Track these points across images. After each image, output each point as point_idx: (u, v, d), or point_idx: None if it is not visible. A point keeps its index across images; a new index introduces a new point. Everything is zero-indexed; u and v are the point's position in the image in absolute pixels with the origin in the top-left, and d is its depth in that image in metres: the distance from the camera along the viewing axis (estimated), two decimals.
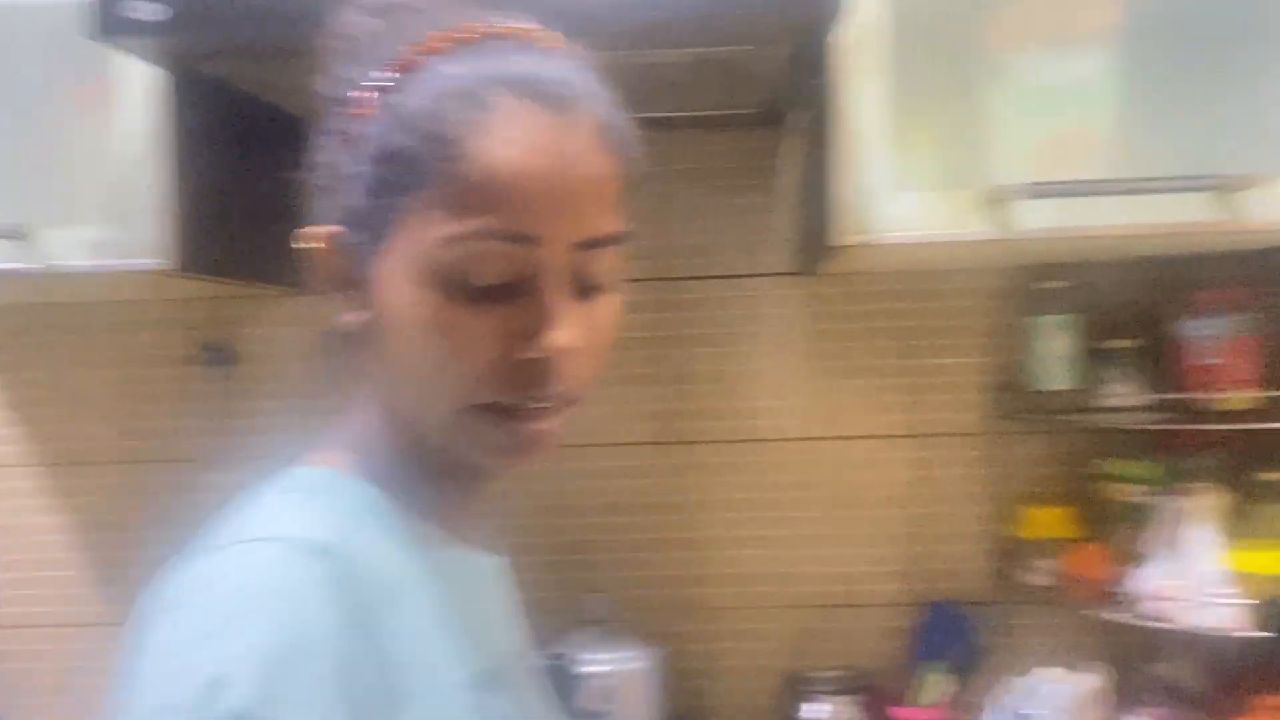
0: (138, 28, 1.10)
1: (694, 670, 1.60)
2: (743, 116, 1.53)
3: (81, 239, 1.27)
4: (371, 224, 0.62)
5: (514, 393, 0.62)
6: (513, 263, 0.60)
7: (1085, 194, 1.17)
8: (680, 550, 1.61)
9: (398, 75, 0.62)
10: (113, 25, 1.10)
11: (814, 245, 1.49)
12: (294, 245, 0.65)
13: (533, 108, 0.60)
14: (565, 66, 0.62)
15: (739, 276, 1.61)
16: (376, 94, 0.62)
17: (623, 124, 0.64)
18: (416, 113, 0.60)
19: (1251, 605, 1.24)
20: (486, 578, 0.73)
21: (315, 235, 0.65)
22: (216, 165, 1.35)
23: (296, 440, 1.68)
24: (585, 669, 1.39)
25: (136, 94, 1.26)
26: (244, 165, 1.47)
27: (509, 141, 0.59)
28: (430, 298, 0.60)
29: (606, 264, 0.63)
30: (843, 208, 1.22)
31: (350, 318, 0.65)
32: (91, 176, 1.27)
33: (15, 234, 1.26)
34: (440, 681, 0.61)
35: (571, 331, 0.61)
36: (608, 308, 0.65)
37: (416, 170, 0.60)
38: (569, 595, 1.51)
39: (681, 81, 1.31)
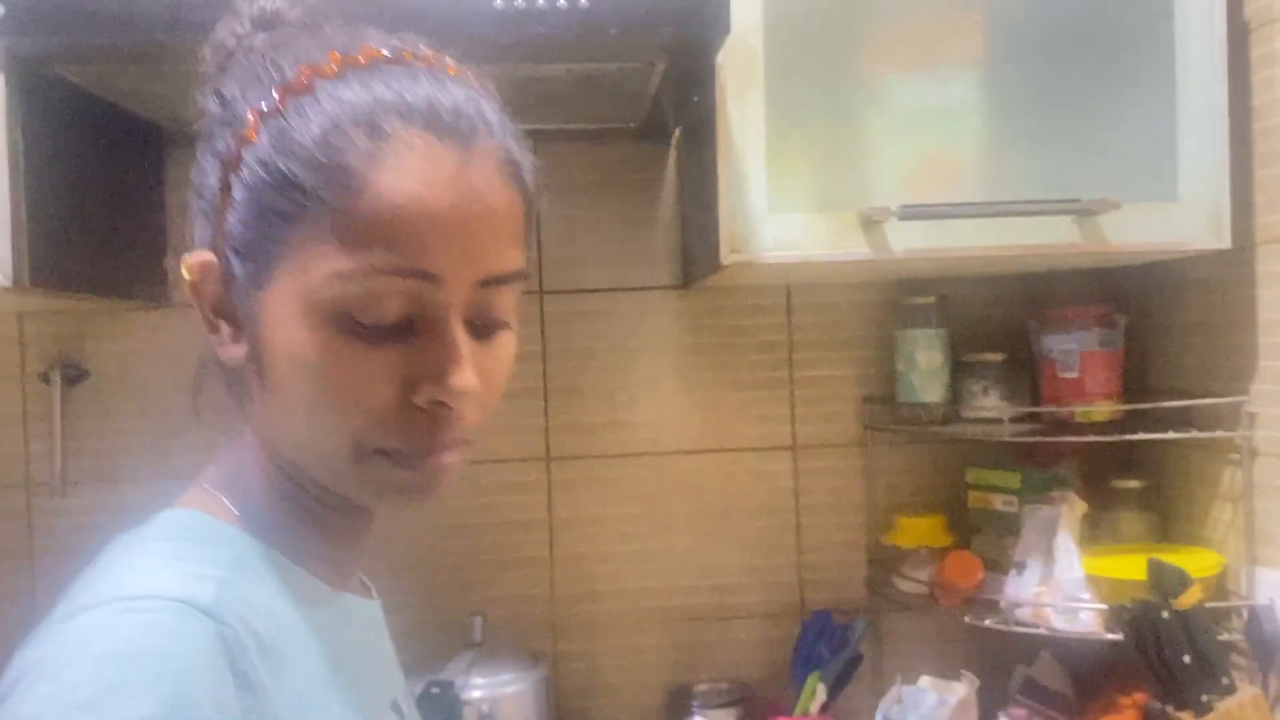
0: None
1: (578, 688, 1.59)
2: (624, 130, 1.53)
3: None
4: (254, 254, 0.58)
5: (414, 438, 0.59)
6: (410, 301, 0.57)
7: (953, 216, 1.21)
8: (563, 567, 1.60)
9: (286, 97, 0.58)
10: None
11: (695, 261, 1.49)
12: (173, 270, 0.61)
13: (431, 139, 0.57)
14: (464, 95, 0.59)
15: (621, 290, 1.60)
16: (262, 116, 0.58)
17: (523, 156, 0.62)
18: (306, 139, 0.56)
19: (1106, 609, 1.29)
20: (367, 623, 0.70)
21: (194, 264, 0.61)
22: (64, 173, 1.27)
23: (153, 461, 1.59)
24: (467, 693, 1.36)
25: None
26: (94, 173, 1.39)
27: (409, 174, 0.56)
28: (319, 336, 0.56)
29: (506, 301, 0.61)
30: (723, 227, 1.23)
31: (230, 352, 0.62)
32: None
33: None
34: None
35: (473, 373, 0.58)
36: (505, 346, 0.62)
37: (305, 200, 0.56)
38: (449, 617, 1.48)
39: (562, 95, 1.29)
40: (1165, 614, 1.15)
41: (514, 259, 0.60)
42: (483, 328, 0.60)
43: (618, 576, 1.60)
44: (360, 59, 0.59)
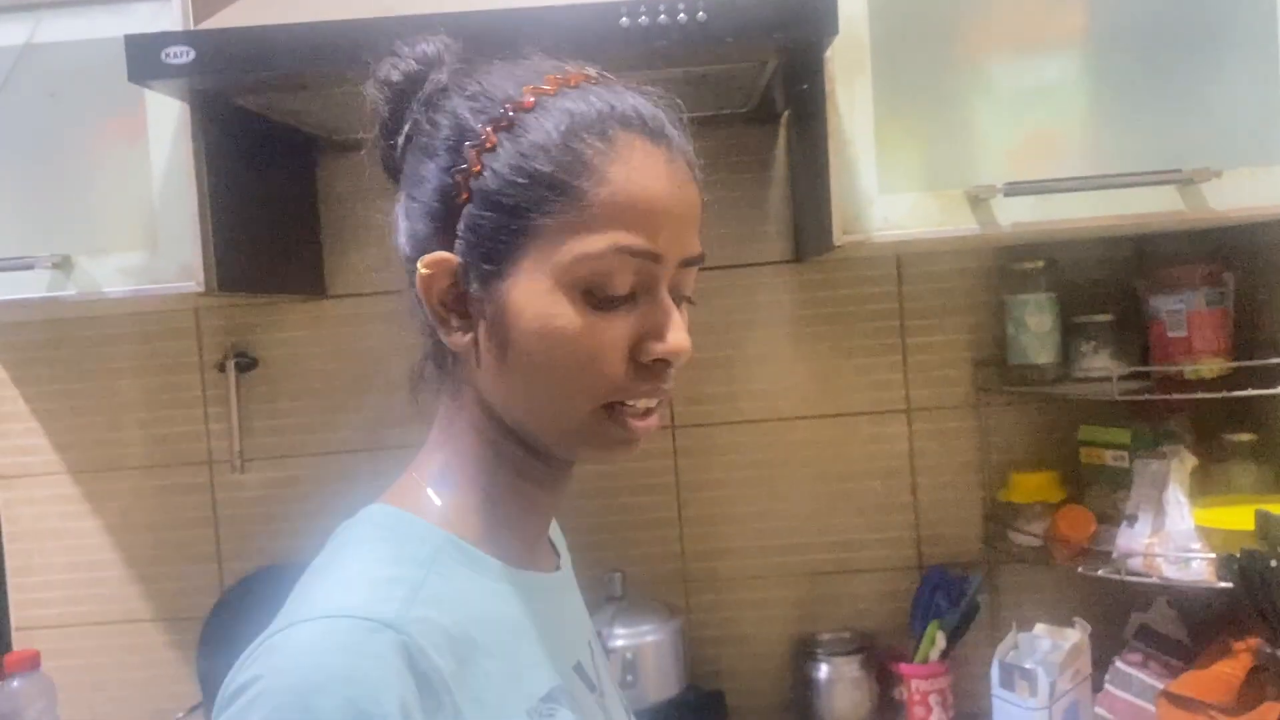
0: (165, 69, 1.18)
1: (711, 638, 1.71)
2: (735, 115, 1.61)
3: (118, 265, 1.35)
4: (499, 246, 0.67)
5: (642, 390, 0.69)
6: (639, 275, 0.67)
7: (1057, 190, 1.27)
8: (692, 527, 1.72)
9: (519, 112, 0.67)
10: (143, 67, 1.18)
11: (807, 239, 1.57)
12: (418, 272, 0.69)
13: (646, 142, 0.67)
14: (654, 106, 0.70)
15: (737, 266, 1.70)
16: (497, 129, 0.67)
17: (696, 159, 0.72)
18: (549, 142, 0.66)
19: (1217, 559, 1.34)
20: (549, 594, 0.77)
21: (431, 260, 0.69)
22: (241, 188, 1.43)
23: (319, 439, 1.74)
24: (611, 643, 1.49)
25: (166, 126, 1.33)
26: (265, 186, 1.54)
27: (636, 170, 0.66)
28: (569, 308, 0.66)
29: (691, 280, 0.73)
30: (835, 209, 1.30)
31: (458, 340, 0.70)
32: (126, 206, 1.34)
33: (57, 263, 1.33)
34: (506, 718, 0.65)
35: (686, 334, 0.69)
36: (686, 319, 0.73)
37: (553, 193, 0.66)
38: (592, 574, 1.60)
39: (677, 89, 1.38)
40: (1274, 562, 1.20)
41: (699, 244, 0.72)
42: (676, 301, 0.71)
43: (743, 535, 1.71)
44: (570, 80, 0.69)
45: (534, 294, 0.67)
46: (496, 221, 0.67)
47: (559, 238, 0.66)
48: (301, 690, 0.57)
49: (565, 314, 0.66)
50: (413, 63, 0.72)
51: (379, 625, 0.60)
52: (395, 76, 0.72)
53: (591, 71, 0.71)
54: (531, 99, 0.68)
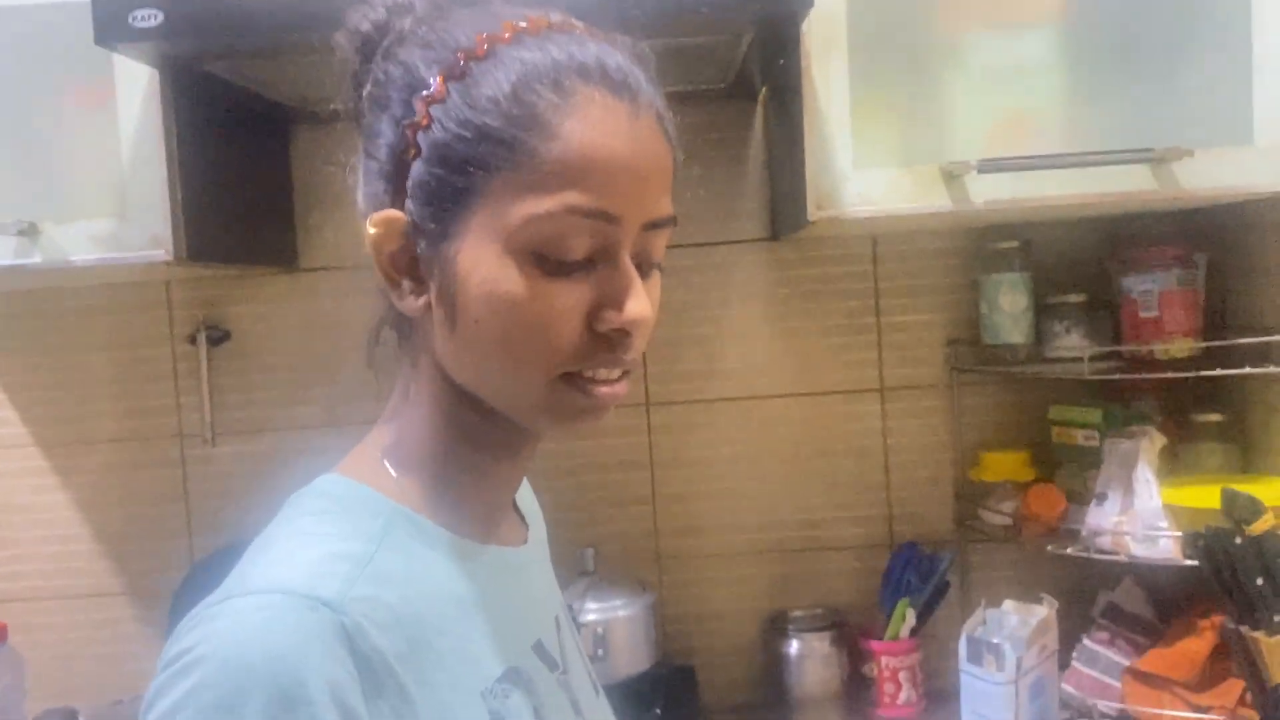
0: (133, 33, 1.16)
1: (683, 614, 1.72)
2: (713, 90, 1.61)
3: (86, 233, 1.33)
4: (446, 205, 0.63)
5: (600, 360, 0.65)
6: (595, 239, 0.63)
7: (1031, 168, 1.27)
8: (666, 504, 1.72)
9: (469, 60, 0.63)
10: (109, 31, 1.16)
11: (783, 216, 1.57)
12: (366, 231, 0.66)
13: (607, 94, 0.63)
14: (622, 57, 0.65)
15: (712, 244, 1.69)
16: (448, 78, 0.63)
17: (668, 111, 0.67)
18: (499, 94, 0.62)
19: (1182, 536, 1.36)
20: (510, 570, 0.74)
21: (379, 219, 0.65)
22: (212, 157, 1.41)
23: (290, 412, 1.73)
24: (583, 617, 1.49)
25: (135, 92, 1.31)
26: (237, 155, 1.53)
27: (593, 125, 0.62)
28: (517, 274, 0.62)
29: (660, 244, 0.68)
30: (809, 185, 1.30)
31: (410, 304, 0.66)
32: (94, 173, 1.33)
33: (23, 230, 1.31)
34: (458, 701, 0.63)
35: (647, 303, 0.65)
36: (657, 286, 0.69)
37: (502, 149, 0.62)
38: (562, 550, 1.61)
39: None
40: (1238, 540, 1.21)
41: (669, 205, 0.67)
42: (642, 268, 0.66)
43: (716, 513, 1.72)
44: (529, 27, 0.64)
45: (482, 258, 0.63)
46: (443, 179, 0.63)
47: (508, 198, 0.62)
48: (230, 666, 0.56)
49: (513, 279, 0.62)
50: (382, 10, 0.69)
51: (317, 603, 0.58)
52: (365, 26, 0.69)
53: (556, 18, 0.66)
54: (485, 47, 0.63)
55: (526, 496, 0.84)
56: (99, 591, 1.71)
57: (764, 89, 1.65)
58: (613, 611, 1.53)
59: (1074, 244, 1.66)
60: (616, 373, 0.67)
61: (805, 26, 1.28)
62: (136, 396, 1.71)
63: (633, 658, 1.55)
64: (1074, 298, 1.57)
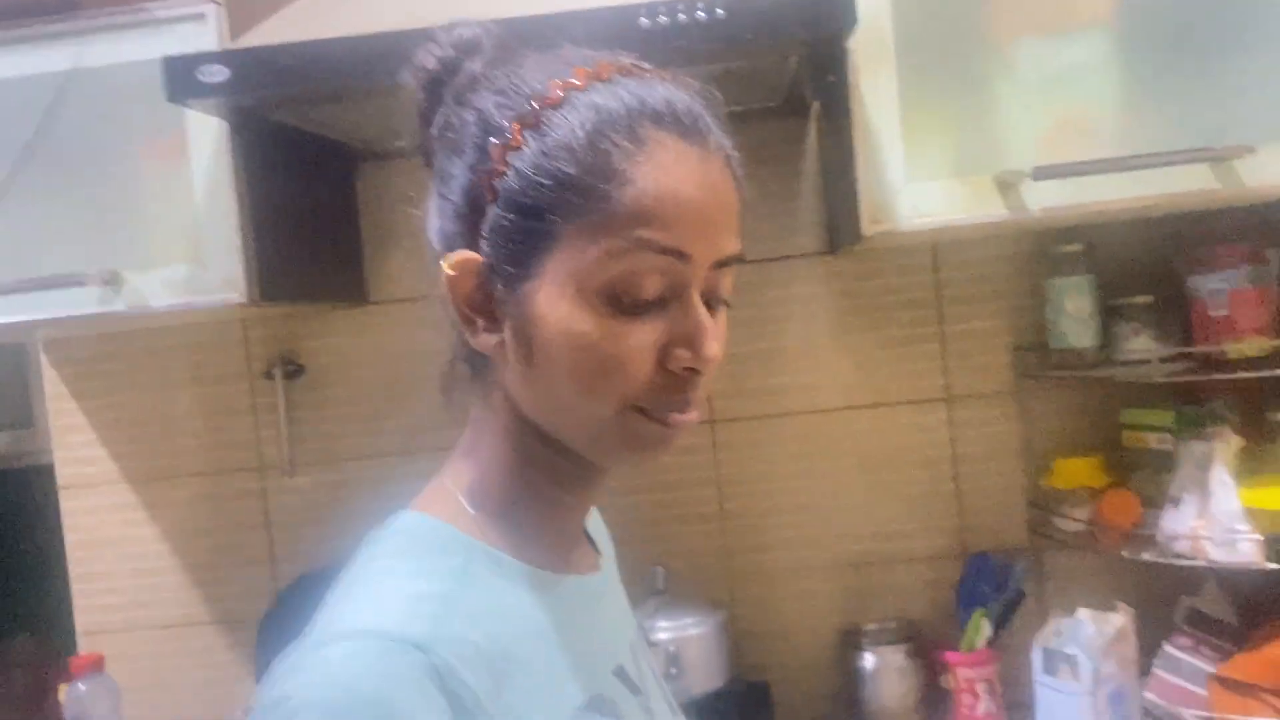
0: (201, 89, 1.22)
1: (755, 631, 1.72)
2: (767, 110, 1.62)
3: (164, 279, 1.39)
4: (524, 247, 0.65)
5: (671, 398, 0.67)
6: (667, 277, 0.65)
7: (1090, 173, 1.26)
8: (734, 520, 1.73)
9: (545, 108, 0.65)
10: (180, 88, 1.22)
11: (839, 230, 1.58)
12: (443, 272, 0.68)
13: (678, 139, 0.65)
14: (689, 99, 0.67)
15: (772, 260, 1.70)
16: (524, 125, 0.65)
17: (734, 152, 0.69)
18: (575, 142, 0.64)
19: (1265, 540, 1.32)
20: (587, 599, 0.76)
21: (457, 260, 0.67)
22: (280, 200, 1.47)
23: (366, 442, 1.77)
24: (654, 636, 1.50)
25: (206, 144, 1.37)
26: (304, 196, 1.58)
27: (665, 170, 0.64)
28: (592, 313, 0.64)
29: (728, 282, 0.70)
30: (863, 199, 1.31)
31: (484, 341, 0.68)
32: (170, 222, 1.39)
33: (107, 279, 1.38)
34: None
35: (718, 344, 0.67)
36: (724, 322, 0.71)
37: (577, 196, 0.63)
38: (631, 570, 1.62)
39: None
40: None
41: (736, 243, 0.68)
42: (710, 305, 0.68)
43: (785, 528, 1.72)
44: (600, 72, 0.66)
45: (557, 299, 0.65)
46: (520, 224, 0.65)
47: (583, 241, 0.64)
48: (329, 713, 0.56)
49: (588, 319, 0.64)
50: (450, 49, 0.71)
51: (408, 646, 0.59)
52: (430, 64, 0.71)
53: (625, 61, 0.68)
54: (559, 94, 0.65)
55: (593, 519, 0.86)
56: (188, 620, 1.78)
57: (816, 104, 1.65)
58: (684, 630, 1.54)
59: (1139, 244, 1.63)
60: (686, 407, 0.68)
61: (852, 43, 1.28)
62: (217, 431, 1.77)
63: (706, 676, 1.55)
64: (1141, 299, 1.54)
